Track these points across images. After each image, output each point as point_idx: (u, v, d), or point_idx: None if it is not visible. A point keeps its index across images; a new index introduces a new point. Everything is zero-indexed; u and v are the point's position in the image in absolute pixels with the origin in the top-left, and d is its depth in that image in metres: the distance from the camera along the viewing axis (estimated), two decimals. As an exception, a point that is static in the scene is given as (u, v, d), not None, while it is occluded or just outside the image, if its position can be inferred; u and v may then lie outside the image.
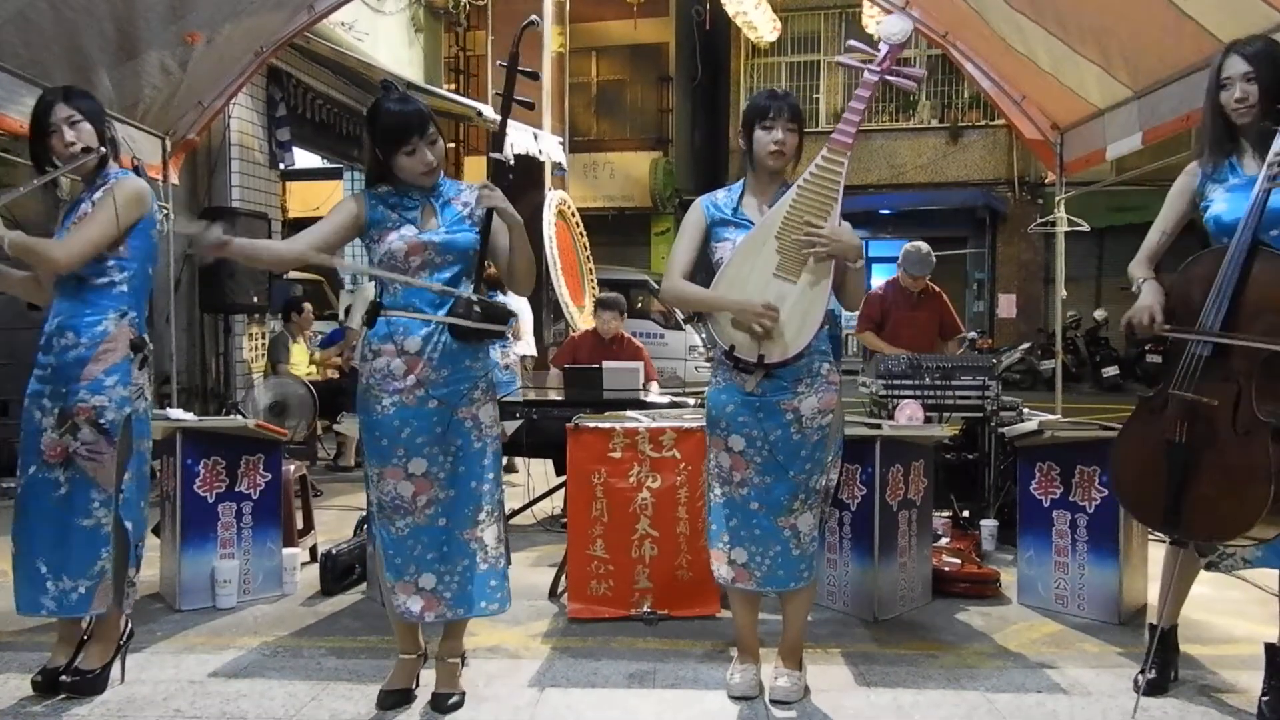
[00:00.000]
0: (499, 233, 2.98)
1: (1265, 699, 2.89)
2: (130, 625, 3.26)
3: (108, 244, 3.02)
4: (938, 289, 6.17)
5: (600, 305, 6.34)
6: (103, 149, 3.07)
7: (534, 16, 3.09)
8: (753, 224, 3.02)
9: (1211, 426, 2.70)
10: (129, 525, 3.07)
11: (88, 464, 2.98)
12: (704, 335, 12.29)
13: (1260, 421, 2.62)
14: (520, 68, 3.07)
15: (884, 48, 2.98)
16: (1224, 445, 2.67)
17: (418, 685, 3.08)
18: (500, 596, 2.98)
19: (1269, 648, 2.94)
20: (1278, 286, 2.67)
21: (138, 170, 3.23)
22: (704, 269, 3.08)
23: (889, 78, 3.00)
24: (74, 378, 2.98)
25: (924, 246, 5.94)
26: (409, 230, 2.92)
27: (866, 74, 2.99)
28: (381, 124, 2.89)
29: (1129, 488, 2.97)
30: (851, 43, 3.12)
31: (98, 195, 3.06)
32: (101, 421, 2.97)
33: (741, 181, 3.15)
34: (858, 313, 6.00)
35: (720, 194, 3.15)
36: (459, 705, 3.01)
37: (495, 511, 2.98)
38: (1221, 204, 2.87)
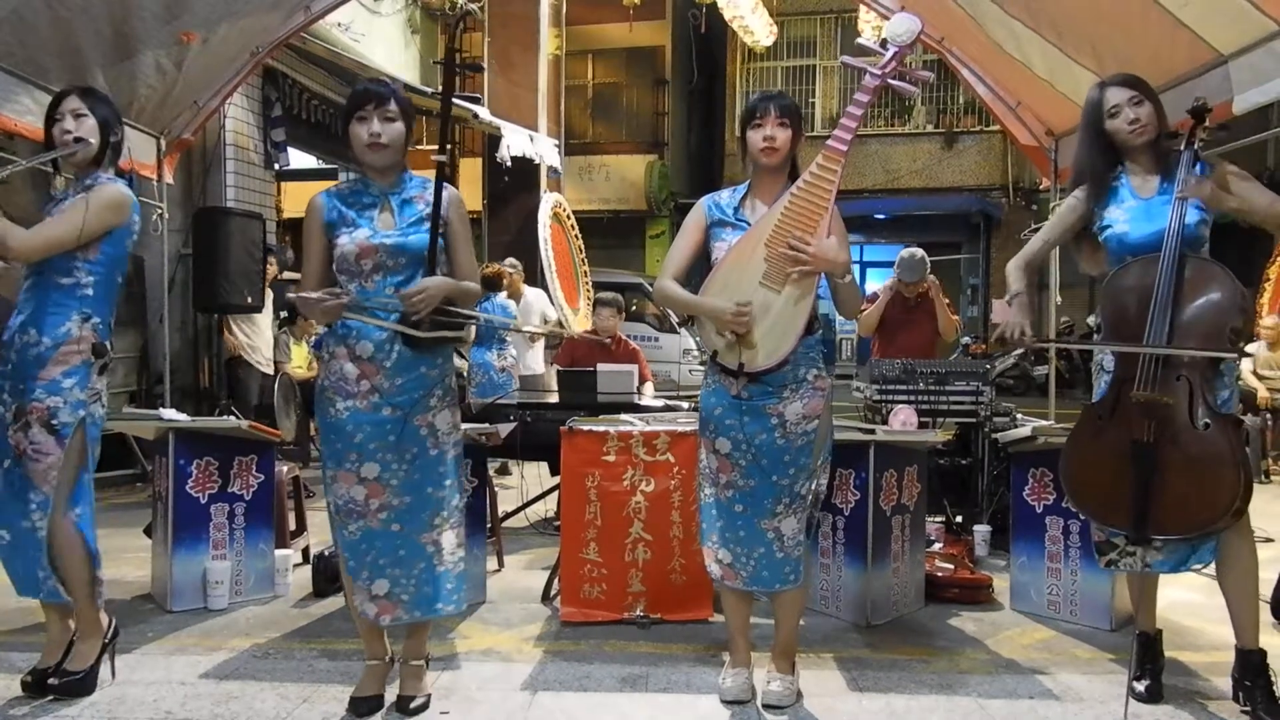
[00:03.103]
0: (455, 243, 2.96)
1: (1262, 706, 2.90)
2: (115, 623, 3.23)
3: (69, 245, 2.98)
4: (933, 294, 6.17)
5: (599, 303, 6.34)
6: (89, 142, 3.04)
7: (473, 6, 3.09)
8: (750, 225, 3.02)
9: (1172, 424, 2.86)
10: (85, 530, 3.05)
11: (32, 465, 2.94)
12: (697, 338, 12.29)
13: (1218, 414, 2.84)
14: (460, 64, 3.04)
15: (891, 49, 2.94)
16: (1187, 441, 2.85)
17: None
18: (456, 599, 2.97)
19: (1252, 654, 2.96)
20: (1210, 291, 2.88)
21: (130, 180, 3.20)
22: (705, 268, 3.08)
23: (892, 82, 2.95)
24: (31, 376, 2.95)
25: (918, 252, 5.94)
26: (362, 231, 2.87)
27: (868, 77, 2.95)
28: (349, 96, 2.95)
29: (1091, 493, 3.05)
30: (860, 42, 3.10)
31: (78, 195, 3.05)
32: (54, 423, 2.94)
33: (747, 183, 3.15)
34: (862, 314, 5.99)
35: (724, 194, 3.15)
36: (424, 707, 3.00)
37: (453, 517, 2.95)
38: (1124, 225, 3.06)
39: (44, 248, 2.96)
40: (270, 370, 7.67)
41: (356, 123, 2.88)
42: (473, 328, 7.09)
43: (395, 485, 2.88)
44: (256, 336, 7.43)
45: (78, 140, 3.03)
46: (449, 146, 13.93)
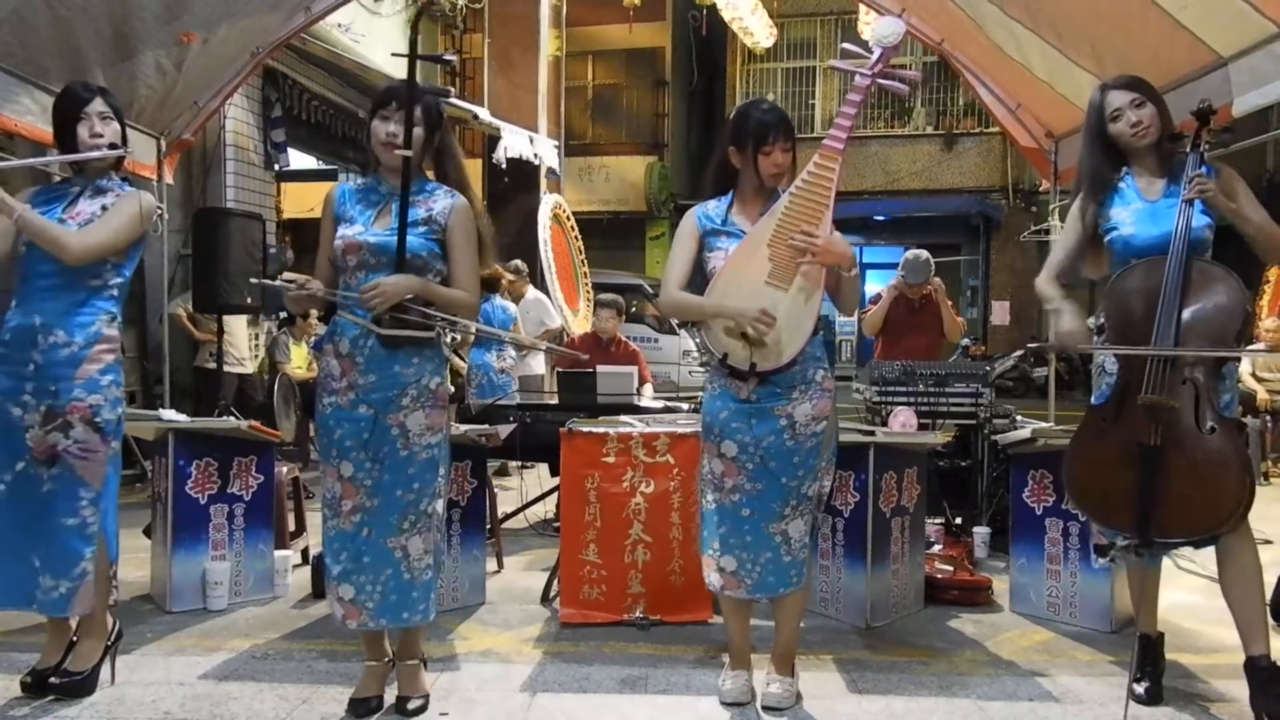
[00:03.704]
0: (452, 252, 2.95)
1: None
2: (119, 625, 3.24)
3: (120, 248, 3.05)
4: (938, 297, 6.17)
5: (599, 305, 6.34)
6: (126, 149, 3.10)
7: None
8: (744, 233, 3.03)
9: (1178, 428, 2.85)
10: (109, 526, 3.07)
11: (79, 463, 2.96)
12: (698, 341, 12.27)
13: (1222, 418, 2.82)
14: (425, 54, 3.03)
15: (877, 50, 2.98)
16: (1192, 444, 2.83)
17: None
18: (423, 608, 2.93)
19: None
20: (1217, 294, 2.87)
21: (128, 181, 3.23)
22: (699, 278, 3.08)
23: (881, 81, 3.00)
24: (65, 376, 2.96)
25: (923, 253, 5.95)
26: (354, 228, 2.90)
27: (858, 78, 2.99)
28: (379, 91, 2.97)
29: (1094, 494, 3.04)
30: (846, 46, 3.12)
31: (109, 200, 3.07)
32: (97, 420, 2.97)
33: (729, 194, 3.14)
34: (859, 315, 6.02)
35: (711, 204, 3.15)
36: (423, 709, 3.00)
37: (420, 522, 2.91)
38: (1130, 227, 3.04)
39: (99, 251, 2.99)
40: (245, 370, 7.66)
41: (378, 120, 2.90)
42: (471, 332, 7.08)
43: (369, 486, 2.88)
44: (226, 339, 7.38)
45: (112, 146, 3.06)
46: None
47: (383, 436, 2.87)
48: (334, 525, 2.91)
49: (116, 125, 3.10)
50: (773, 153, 2.98)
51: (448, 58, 2.93)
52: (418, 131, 2.89)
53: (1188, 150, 2.98)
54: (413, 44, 2.96)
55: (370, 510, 2.88)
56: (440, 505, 2.99)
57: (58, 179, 3.29)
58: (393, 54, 3.05)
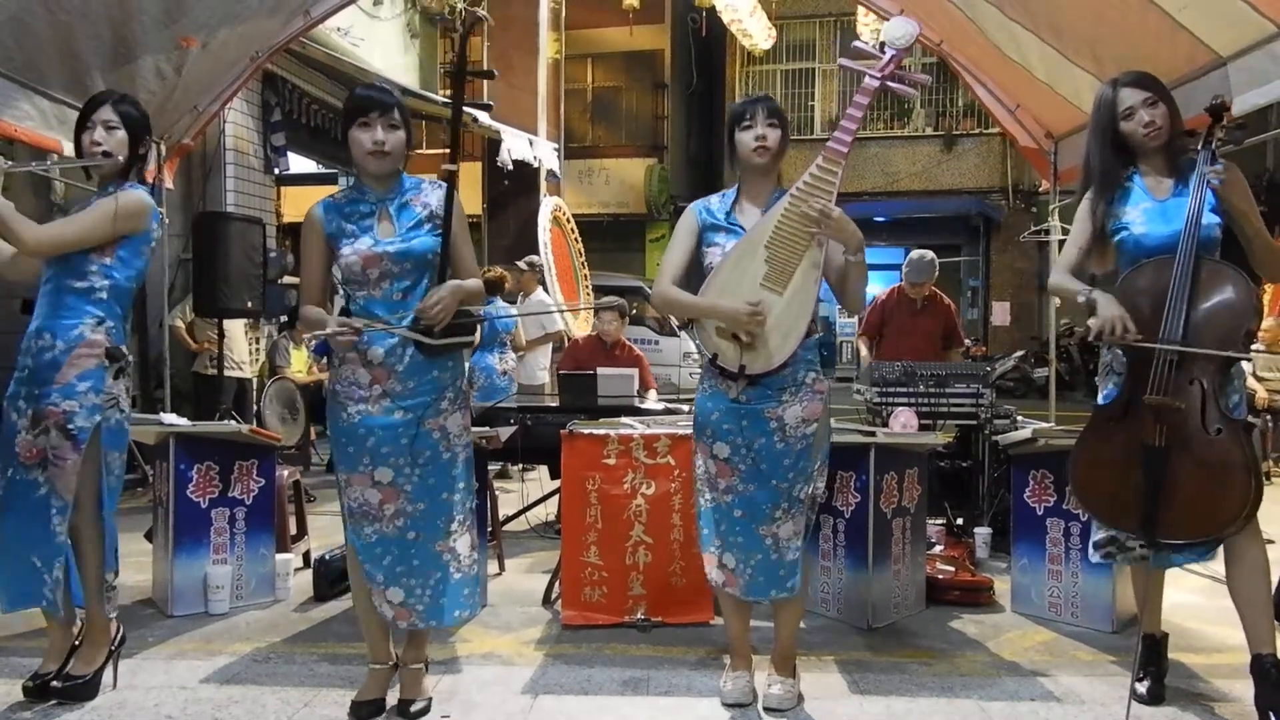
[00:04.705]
0: (455, 243, 2.95)
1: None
2: (122, 630, 3.24)
3: (87, 244, 3.00)
4: (947, 301, 6.18)
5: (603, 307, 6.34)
6: (117, 157, 3.07)
7: (483, 13, 3.10)
8: (744, 230, 3.02)
9: (1184, 429, 2.83)
10: (108, 533, 3.05)
11: (52, 469, 2.95)
12: (698, 343, 12.23)
13: (1229, 419, 2.81)
14: (472, 72, 3.04)
15: (889, 52, 2.95)
16: (1199, 446, 2.82)
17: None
18: (474, 602, 3.01)
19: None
20: (1226, 293, 2.85)
21: (154, 188, 3.21)
22: (696, 274, 3.08)
23: (891, 84, 2.96)
24: (48, 380, 2.95)
25: (927, 254, 5.95)
26: (364, 241, 2.87)
27: (867, 79, 2.96)
28: (349, 99, 2.94)
29: (1099, 496, 3.03)
30: (856, 44, 3.09)
31: (102, 199, 3.06)
32: (70, 427, 2.93)
33: (735, 187, 3.15)
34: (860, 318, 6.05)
35: (714, 199, 3.15)
36: (425, 711, 3.00)
37: (468, 520, 2.96)
38: (1141, 226, 3.02)
39: (53, 245, 2.97)
40: (243, 374, 7.65)
41: (359, 129, 2.86)
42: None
43: (409, 491, 2.87)
44: (225, 344, 7.36)
45: (105, 155, 3.05)
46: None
47: (424, 441, 2.87)
48: (374, 530, 2.88)
49: (122, 133, 3.08)
50: (753, 125, 2.98)
51: (492, 73, 2.97)
52: (401, 135, 2.89)
53: (1199, 147, 2.94)
54: (459, 62, 2.96)
55: (413, 514, 2.88)
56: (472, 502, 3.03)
57: (59, 197, 3.28)
58: (443, 70, 3.08)
